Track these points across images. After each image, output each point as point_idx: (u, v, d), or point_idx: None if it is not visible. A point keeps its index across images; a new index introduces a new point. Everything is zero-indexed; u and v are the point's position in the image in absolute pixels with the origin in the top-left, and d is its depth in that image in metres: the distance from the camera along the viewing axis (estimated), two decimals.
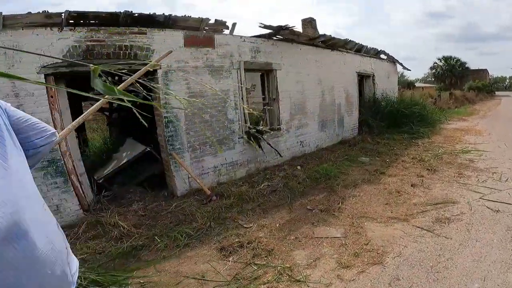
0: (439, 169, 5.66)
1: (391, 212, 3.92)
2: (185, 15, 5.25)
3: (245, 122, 6.19)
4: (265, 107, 6.99)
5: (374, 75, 10.86)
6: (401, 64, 12.82)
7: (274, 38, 6.79)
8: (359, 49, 9.98)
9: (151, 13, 4.78)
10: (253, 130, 6.24)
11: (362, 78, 10.69)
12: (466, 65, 41.43)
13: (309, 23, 12.24)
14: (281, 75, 6.88)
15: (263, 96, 6.99)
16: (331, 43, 8.30)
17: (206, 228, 3.78)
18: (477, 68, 44.70)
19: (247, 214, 4.21)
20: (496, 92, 43.45)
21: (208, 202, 4.75)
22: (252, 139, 6.20)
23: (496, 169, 5.50)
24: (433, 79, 46.04)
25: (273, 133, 6.86)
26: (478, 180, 4.98)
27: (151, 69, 4.21)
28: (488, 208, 3.86)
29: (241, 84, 6.01)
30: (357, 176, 5.55)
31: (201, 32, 5.46)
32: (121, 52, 4.53)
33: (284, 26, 6.20)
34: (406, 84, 35.34)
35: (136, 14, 4.63)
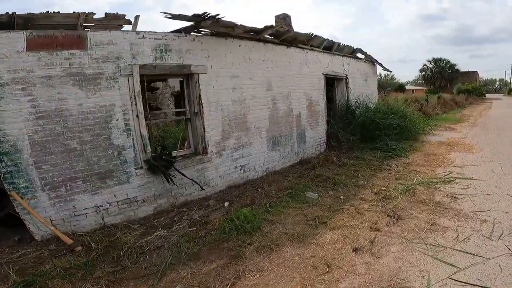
0: (405, 214, 4.00)
1: None
2: (48, 11, 3.60)
3: (144, 148, 4.43)
4: (183, 123, 5.24)
5: (347, 77, 9.19)
6: (380, 64, 11.18)
7: (198, 32, 5.04)
8: (330, 47, 8.30)
9: None
10: (157, 158, 4.49)
11: (334, 81, 9.02)
12: (456, 67, 40.74)
13: (282, 19, 10.66)
14: (207, 80, 5.14)
15: (181, 110, 5.24)
16: (289, 39, 6.59)
17: None
18: (466, 70, 44.02)
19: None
20: (486, 95, 42.43)
21: (67, 253, 3.46)
22: (156, 169, 4.46)
23: (487, 214, 3.88)
24: (423, 81, 45.42)
25: (196, 159, 5.12)
26: (457, 236, 3.36)
27: None
28: None
29: (135, 96, 4.25)
30: (288, 227, 3.84)
31: (60, 31, 3.69)
32: None
33: (204, 15, 4.44)
34: (397, 87, 34.31)
35: None
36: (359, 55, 10.14)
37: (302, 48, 7.22)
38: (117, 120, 4.17)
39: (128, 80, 4.20)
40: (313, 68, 7.57)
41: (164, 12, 4.19)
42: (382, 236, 3.46)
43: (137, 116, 4.31)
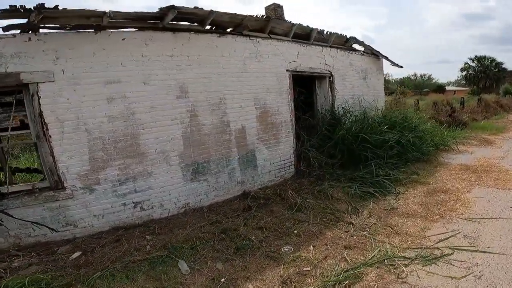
0: None
1: None
2: None
3: None
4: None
5: (332, 74, 6.88)
6: (386, 58, 8.48)
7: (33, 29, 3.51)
8: (305, 35, 6.19)
9: None
10: None
11: (313, 80, 6.83)
12: (503, 66, 34.64)
13: (273, 10, 8.88)
14: (56, 91, 3.59)
15: (25, 132, 3.77)
16: (223, 24, 4.77)
17: None
18: None
19: None
20: None
21: None
22: None
23: None
24: (464, 82, 39.54)
25: (44, 196, 3.64)
26: None
27: None
28: None
29: None
30: None
31: None
32: None
33: (21, 8, 2.92)
34: (435, 88, 30.42)
35: None
36: (357, 47, 7.69)
37: (250, 36, 5.25)
38: None
39: None
40: (269, 63, 5.54)
41: None
42: None
43: None
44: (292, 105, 6.04)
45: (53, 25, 3.56)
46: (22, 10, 3.02)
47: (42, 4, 3.05)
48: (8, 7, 2.93)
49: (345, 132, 5.78)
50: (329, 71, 6.79)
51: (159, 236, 3.91)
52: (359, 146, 5.67)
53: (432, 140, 6.82)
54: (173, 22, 4.38)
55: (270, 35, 5.57)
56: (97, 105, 3.86)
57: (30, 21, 3.17)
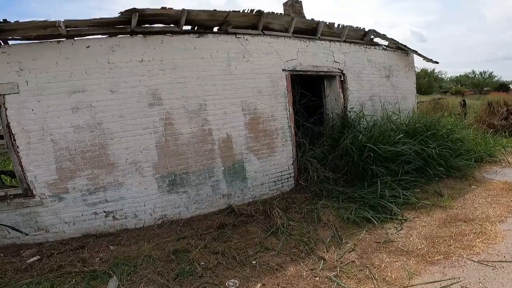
0: None
1: None
2: None
3: None
4: None
5: (343, 73, 5.99)
6: (415, 52, 7.09)
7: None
8: (310, 30, 5.51)
9: None
10: None
11: (321, 80, 6.04)
12: None
13: (290, 6, 8.51)
14: (22, 102, 3.66)
15: None
16: (208, 23, 4.45)
17: None
18: None
19: None
20: None
21: None
22: None
23: None
24: None
25: (15, 202, 3.76)
26: None
27: None
28: None
29: None
30: None
31: None
32: None
33: None
34: (497, 86, 26.22)
35: None
36: (379, 40, 6.60)
37: (237, 34, 4.78)
38: None
39: None
40: (260, 62, 4.99)
41: None
42: None
43: None
44: (291, 109, 5.38)
45: (17, 37, 3.61)
46: None
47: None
48: None
49: (349, 142, 4.91)
50: (339, 69, 5.92)
51: (121, 247, 3.75)
52: (365, 159, 4.75)
53: (474, 151, 5.43)
54: (145, 25, 4.18)
55: (264, 32, 5.02)
56: (62, 115, 3.83)
57: None
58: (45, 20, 3.35)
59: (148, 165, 4.35)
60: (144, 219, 4.41)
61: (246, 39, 4.84)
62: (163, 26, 4.26)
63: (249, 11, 4.58)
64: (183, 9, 3.99)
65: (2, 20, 3.14)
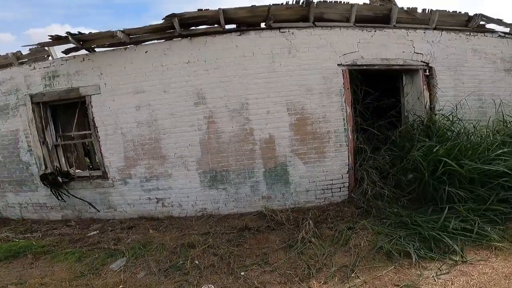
0: None
1: None
2: None
3: (42, 166, 4.84)
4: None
5: (430, 67, 4.58)
6: None
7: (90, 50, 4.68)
8: (383, 17, 4.64)
9: None
10: (51, 176, 4.77)
11: (399, 76, 4.86)
12: None
13: None
14: (102, 101, 4.69)
15: (87, 132, 5.05)
16: (250, 20, 4.45)
17: None
18: None
19: None
20: None
21: None
22: (48, 185, 4.79)
23: None
24: None
25: (95, 182, 4.89)
26: None
27: None
28: None
29: (34, 122, 4.75)
30: None
31: None
32: None
33: (53, 37, 4.17)
34: None
35: None
36: (493, 26, 4.65)
37: (281, 29, 4.47)
38: (22, 142, 4.90)
39: (26, 108, 4.77)
40: (309, 57, 4.49)
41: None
42: None
43: (35, 139, 4.80)
44: (349, 110, 4.59)
45: (96, 46, 4.60)
46: (62, 38, 4.15)
47: (74, 33, 4.07)
48: (51, 35, 4.12)
49: (419, 153, 3.74)
50: (423, 61, 4.57)
51: (157, 233, 4.26)
52: (440, 176, 3.51)
53: None
54: (191, 28, 4.51)
55: (316, 23, 4.49)
56: (128, 112, 4.66)
57: (76, 45, 4.34)
58: (109, 30, 4.12)
59: (193, 160, 4.71)
60: (187, 209, 4.82)
61: (292, 33, 4.46)
62: (206, 27, 4.46)
63: (294, 3, 4.20)
64: (219, 9, 4.08)
65: (77, 32, 4.10)
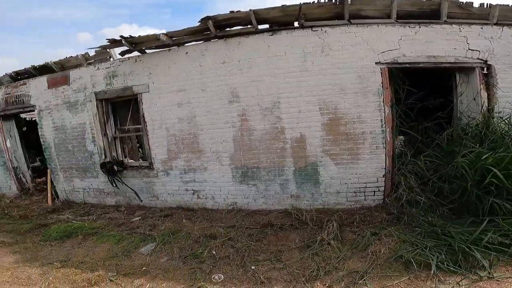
0: None
1: None
2: (49, 62, 5.95)
3: (102, 155, 5.64)
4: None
5: (488, 65, 3.98)
6: None
7: (139, 53, 5.25)
8: (430, 12, 4.28)
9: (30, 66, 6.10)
10: (109, 165, 5.54)
11: (452, 75, 4.35)
12: None
13: None
14: (150, 99, 5.24)
15: (139, 126, 5.65)
16: (283, 19, 4.51)
17: None
18: None
19: None
20: None
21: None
22: (106, 173, 5.57)
23: None
24: None
25: (142, 172, 5.50)
26: None
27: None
28: None
29: (97, 116, 5.57)
30: None
31: (59, 73, 5.87)
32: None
33: (110, 40, 4.79)
34: None
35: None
36: None
37: (313, 27, 4.39)
38: (88, 133, 5.76)
39: (92, 104, 5.61)
40: (343, 56, 4.32)
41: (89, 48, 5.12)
42: None
43: (98, 131, 5.62)
44: (388, 110, 4.29)
45: (145, 48, 5.14)
46: (117, 41, 4.76)
47: (126, 36, 4.65)
48: (109, 39, 4.75)
49: (464, 160, 3.34)
50: (480, 59, 4.00)
51: (189, 222, 4.59)
52: (486, 186, 3.08)
53: None
54: (226, 29, 4.73)
55: (351, 21, 4.31)
56: (171, 109, 5.12)
57: (127, 48, 4.94)
58: (154, 34, 4.59)
59: (226, 155, 4.95)
60: (219, 202, 5.10)
61: (325, 31, 4.34)
62: (240, 28, 4.63)
63: (326, 1, 4.10)
64: (250, 10, 4.21)
65: (129, 36, 4.64)
